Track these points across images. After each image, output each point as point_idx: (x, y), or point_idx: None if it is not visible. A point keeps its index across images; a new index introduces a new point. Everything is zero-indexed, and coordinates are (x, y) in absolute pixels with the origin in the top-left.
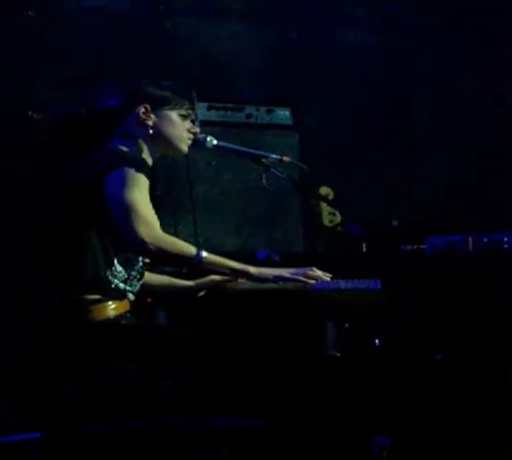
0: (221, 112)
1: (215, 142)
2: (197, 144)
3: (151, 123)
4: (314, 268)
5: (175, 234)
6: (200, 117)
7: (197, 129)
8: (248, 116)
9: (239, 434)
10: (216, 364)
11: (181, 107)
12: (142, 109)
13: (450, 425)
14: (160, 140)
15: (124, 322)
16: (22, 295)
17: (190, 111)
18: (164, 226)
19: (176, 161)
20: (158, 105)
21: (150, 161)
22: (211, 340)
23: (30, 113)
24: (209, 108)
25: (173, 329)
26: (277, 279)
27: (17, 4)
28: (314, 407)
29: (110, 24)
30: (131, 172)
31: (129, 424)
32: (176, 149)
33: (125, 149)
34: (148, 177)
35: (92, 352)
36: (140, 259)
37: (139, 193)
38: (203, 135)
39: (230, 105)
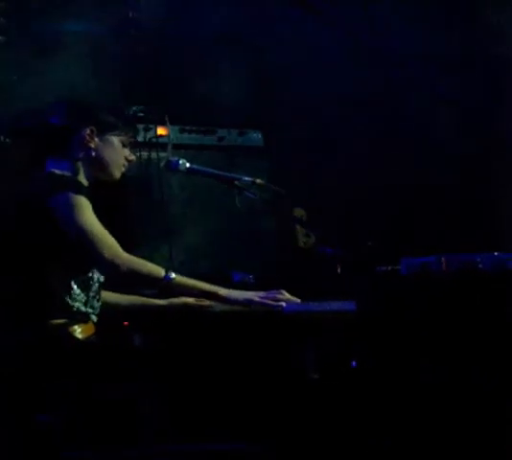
0: (194, 135)
1: (187, 165)
2: (170, 167)
3: (93, 146)
4: (283, 291)
5: (150, 256)
6: (173, 140)
7: (134, 158)
8: (220, 139)
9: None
10: (190, 387)
11: (125, 135)
12: (88, 131)
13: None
14: (98, 164)
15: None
16: None
17: (131, 139)
18: (139, 249)
19: (149, 183)
20: (104, 130)
21: (85, 183)
22: (184, 363)
23: (2, 138)
24: (181, 131)
25: (147, 350)
26: (247, 302)
27: None
28: (293, 430)
29: (83, 47)
30: (72, 195)
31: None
32: (110, 174)
33: (60, 172)
34: (88, 198)
35: (65, 376)
36: (96, 279)
37: (89, 216)
38: (176, 158)
39: (202, 128)
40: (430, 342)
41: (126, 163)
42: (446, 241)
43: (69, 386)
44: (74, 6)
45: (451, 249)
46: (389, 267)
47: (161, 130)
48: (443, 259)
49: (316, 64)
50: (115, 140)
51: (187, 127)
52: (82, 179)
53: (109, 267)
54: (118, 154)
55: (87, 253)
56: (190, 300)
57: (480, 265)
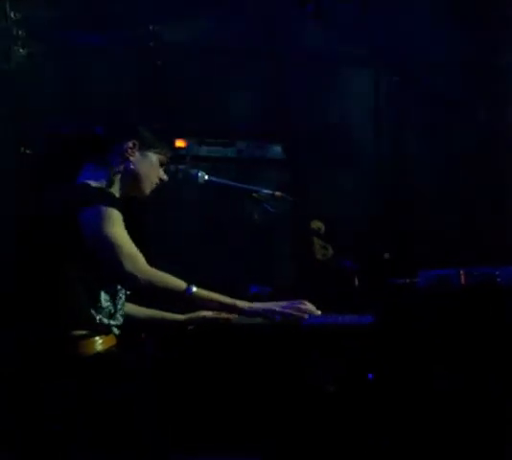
0: (213, 148)
1: (206, 177)
2: (188, 179)
3: (133, 159)
4: (305, 301)
5: (168, 269)
6: (192, 152)
7: (166, 178)
8: (239, 151)
9: None
10: (207, 400)
11: (163, 154)
12: (130, 144)
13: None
14: (133, 178)
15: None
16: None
17: (167, 160)
18: (158, 261)
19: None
20: (145, 146)
21: (118, 195)
22: (201, 375)
23: (22, 149)
24: (200, 143)
25: (164, 363)
26: (267, 313)
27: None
28: (308, 442)
29: (99, 60)
30: (105, 208)
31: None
32: (142, 190)
33: (94, 184)
34: (120, 211)
35: (84, 387)
36: (122, 293)
37: (118, 228)
38: (195, 170)
39: (221, 141)
40: (448, 355)
41: (158, 182)
42: (463, 254)
43: (79, 397)
44: (92, 18)
45: (467, 262)
46: (407, 280)
47: (180, 143)
48: (461, 272)
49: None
50: (154, 157)
51: (206, 140)
52: (116, 192)
53: (130, 280)
54: (153, 172)
55: (109, 264)
56: (208, 314)
57: (499, 279)
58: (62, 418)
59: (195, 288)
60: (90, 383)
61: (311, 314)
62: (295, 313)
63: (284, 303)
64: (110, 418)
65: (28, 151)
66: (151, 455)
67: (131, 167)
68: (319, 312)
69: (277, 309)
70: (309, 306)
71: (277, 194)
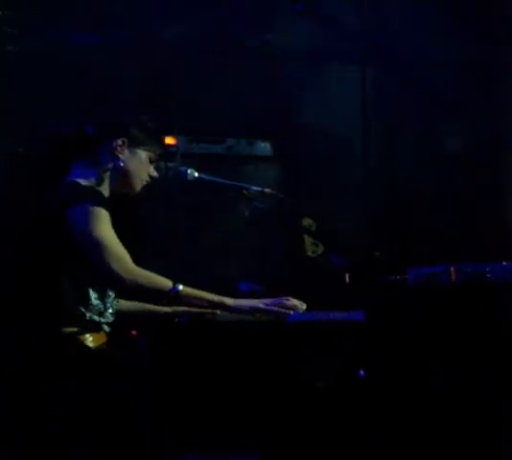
0: (202, 144)
1: (196, 174)
2: (178, 176)
3: (122, 156)
4: (290, 298)
5: (158, 266)
6: (181, 149)
7: (157, 175)
8: (229, 148)
9: None
10: (196, 397)
11: (153, 151)
12: (119, 142)
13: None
14: (123, 175)
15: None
16: None
17: (157, 157)
18: (147, 259)
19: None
20: (134, 143)
21: (106, 193)
22: (191, 371)
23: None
24: (190, 141)
25: (153, 359)
26: (253, 310)
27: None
28: (300, 440)
29: (93, 56)
30: (92, 207)
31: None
32: (133, 187)
33: (84, 182)
34: (108, 210)
35: (80, 386)
36: (112, 292)
37: (105, 228)
38: (185, 167)
39: (211, 138)
40: (439, 351)
41: (148, 179)
42: (453, 251)
43: (72, 390)
44: (90, 17)
45: (458, 259)
46: (397, 277)
47: (169, 140)
48: (452, 269)
49: (327, 73)
50: (143, 154)
51: (196, 137)
52: (105, 190)
53: (116, 279)
54: (143, 169)
55: (96, 263)
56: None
57: (489, 275)
58: (61, 417)
59: (181, 287)
60: (86, 382)
61: (297, 311)
62: (280, 310)
63: (268, 300)
64: (108, 416)
65: (20, 150)
66: (148, 453)
67: (121, 164)
68: (304, 308)
69: (262, 306)
70: (294, 301)
71: (267, 190)
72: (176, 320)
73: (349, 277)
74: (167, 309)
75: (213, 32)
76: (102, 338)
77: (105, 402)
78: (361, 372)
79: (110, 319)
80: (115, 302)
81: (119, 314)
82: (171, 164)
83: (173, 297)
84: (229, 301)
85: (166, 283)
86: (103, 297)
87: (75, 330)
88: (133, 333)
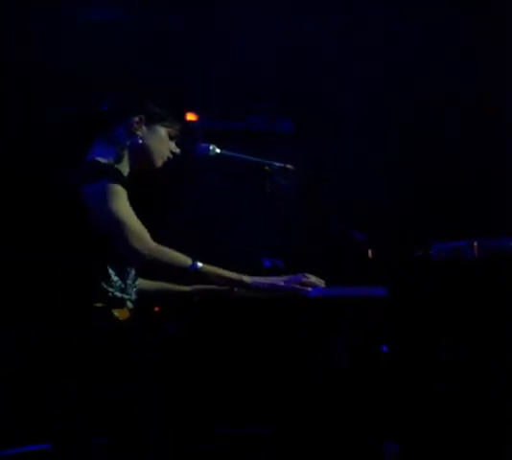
0: (223, 121)
1: (218, 150)
2: (199, 152)
3: (140, 133)
4: (307, 274)
5: (178, 243)
6: (203, 126)
7: (178, 151)
8: (250, 125)
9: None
10: (214, 375)
11: (172, 127)
12: (136, 119)
13: (460, 432)
14: (142, 152)
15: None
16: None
17: (178, 133)
18: (167, 237)
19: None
20: (152, 120)
21: (126, 171)
22: (209, 349)
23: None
24: (211, 117)
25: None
26: (272, 287)
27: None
28: (322, 417)
29: (115, 34)
30: (109, 184)
31: None
32: (153, 163)
33: (103, 160)
34: (125, 188)
35: (78, 384)
36: (130, 268)
37: (122, 203)
38: (206, 144)
39: (232, 114)
40: (460, 326)
41: (170, 155)
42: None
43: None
44: None
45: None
46: (421, 252)
47: (190, 116)
48: (475, 244)
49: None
50: (162, 131)
51: (216, 114)
52: (125, 167)
53: (135, 256)
54: (163, 145)
55: (114, 240)
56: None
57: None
58: (61, 417)
59: (200, 264)
60: (89, 383)
61: (318, 287)
62: (299, 287)
63: (286, 277)
64: (111, 417)
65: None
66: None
67: (139, 141)
68: (323, 285)
69: (281, 283)
70: (312, 278)
71: (288, 167)
72: (195, 299)
73: (372, 252)
74: (187, 288)
75: None
76: (125, 314)
77: (109, 403)
78: (385, 347)
79: (133, 296)
80: (137, 280)
81: (140, 293)
82: (191, 140)
83: (192, 274)
84: (247, 279)
85: (185, 260)
86: (122, 273)
87: (101, 305)
88: (156, 309)
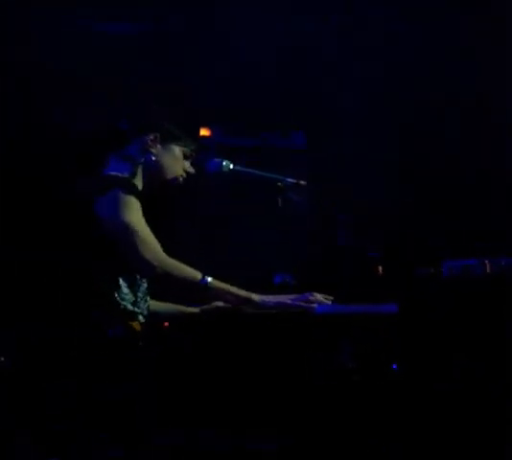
0: (236, 136)
1: (231, 166)
2: (213, 168)
3: (154, 151)
4: (314, 293)
5: (190, 258)
6: (217, 141)
7: (193, 170)
8: (264, 140)
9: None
10: (226, 391)
11: (187, 147)
12: (151, 137)
13: (460, 432)
14: (156, 169)
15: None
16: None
17: (193, 153)
18: (177, 252)
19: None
20: (167, 139)
21: (140, 185)
22: (219, 365)
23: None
24: (224, 133)
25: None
26: (279, 306)
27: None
28: (327, 432)
29: (128, 47)
30: (121, 194)
31: None
32: (166, 181)
33: (117, 174)
34: (139, 200)
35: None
36: (142, 281)
37: (134, 214)
38: (220, 159)
39: (245, 130)
40: (472, 344)
41: (183, 174)
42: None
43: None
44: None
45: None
46: (432, 269)
47: (204, 131)
48: (486, 262)
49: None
50: (177, 149)
51: (230, 129)
52: (139, 182)
53: (145, 267)
54: (177, 163)
55: (125, 250)
56: (223, 305)
57: None
58: (61, 417)
59: (210, 279)
60: (89, 383)
61: (325, 304)
62: (306, 305)
63: (293, 296)
64: (111, 418)
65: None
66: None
67: (153, 159)
68: (330, 302)
69: (288, 301)
70: (318, 297)
71: (302, 182)
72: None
73: (382, 269)
74: (196, 309)
75: None
76: (137, 327)
77: (109, 404)
78: (395, 365)
79: (145, 311)
80: (148, 295)
81: (151, 313)
82: (205, 156)
83: (201, 289)
84: (256, 297)
85: (195, 274)
86: (132, 287)
87: (113, 317)
88: (165, 324)
